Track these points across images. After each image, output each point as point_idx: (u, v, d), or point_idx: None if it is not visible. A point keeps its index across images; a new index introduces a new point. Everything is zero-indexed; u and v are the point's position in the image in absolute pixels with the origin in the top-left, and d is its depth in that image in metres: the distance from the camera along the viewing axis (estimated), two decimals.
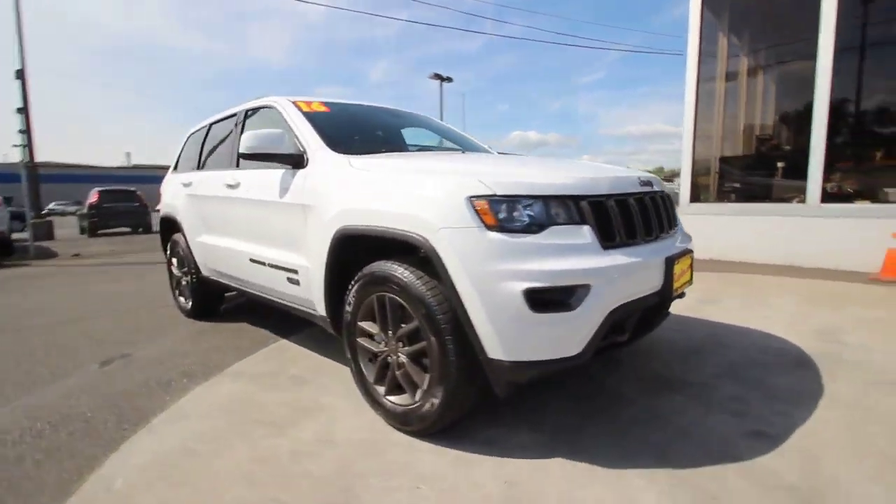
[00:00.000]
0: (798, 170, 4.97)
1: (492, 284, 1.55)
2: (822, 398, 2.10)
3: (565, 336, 1.59)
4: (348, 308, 2.08)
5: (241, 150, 2.35)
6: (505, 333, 1.56)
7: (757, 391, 2.18)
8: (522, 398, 2.18)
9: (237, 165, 3.03)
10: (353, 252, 2.08)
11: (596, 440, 1.83)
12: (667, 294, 1.86)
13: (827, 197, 4.81)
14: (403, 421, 1.89)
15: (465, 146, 3.23)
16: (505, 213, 1.59)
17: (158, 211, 4.28)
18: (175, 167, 4.19)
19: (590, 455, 1.72)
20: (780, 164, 5.47)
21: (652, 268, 1.79)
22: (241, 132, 3.07)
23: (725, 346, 2.80)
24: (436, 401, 1.74)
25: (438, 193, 1.69)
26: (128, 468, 1.77)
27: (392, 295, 1.86)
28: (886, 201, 4.68)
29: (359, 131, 2.82)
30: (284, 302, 2.64)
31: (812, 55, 4.76)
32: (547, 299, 1.54)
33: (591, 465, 1.66)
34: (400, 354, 1.89)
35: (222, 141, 3.38)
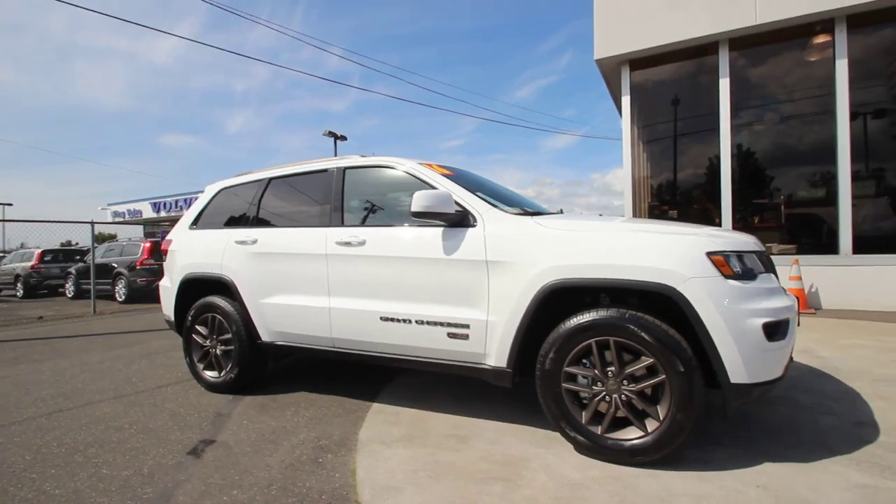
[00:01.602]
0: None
1: (739, 321, 1.96)
2: (861, 394, 2.90)
3: (779, 360, 2.06)
4: (551, 356, 2.25)
5: (414, 210, 2.44)
6: (748, 360, 1.96)
7: (823, 397, 2.90)
8: None
9: (343, 223, 2.98)
10: (554, 305, 2.30)
11: (771, 445, 2.28)
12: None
13: None
14: (634, 453, 2.10)
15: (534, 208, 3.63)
16: (734, 265, 2.05)
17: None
18: (195, 223, 3.77)
19: (781, 456, 2.16)
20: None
21: None
22: (343, 189, 3.05)
23: None
24: (675, 427, 2.02)
25: (681, 250, 2.07)
26: None
27: (617, 338, 2.12)
28: (770, 254, 6.36)
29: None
30: (431, 358, 2.63)
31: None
32: (775, 331, 2.01)
33: (793, 463, 2.09)
34: (625, 392, 2.14)
35: (301, 197, 3.26)
